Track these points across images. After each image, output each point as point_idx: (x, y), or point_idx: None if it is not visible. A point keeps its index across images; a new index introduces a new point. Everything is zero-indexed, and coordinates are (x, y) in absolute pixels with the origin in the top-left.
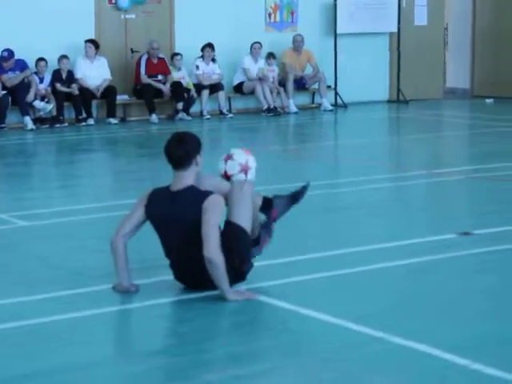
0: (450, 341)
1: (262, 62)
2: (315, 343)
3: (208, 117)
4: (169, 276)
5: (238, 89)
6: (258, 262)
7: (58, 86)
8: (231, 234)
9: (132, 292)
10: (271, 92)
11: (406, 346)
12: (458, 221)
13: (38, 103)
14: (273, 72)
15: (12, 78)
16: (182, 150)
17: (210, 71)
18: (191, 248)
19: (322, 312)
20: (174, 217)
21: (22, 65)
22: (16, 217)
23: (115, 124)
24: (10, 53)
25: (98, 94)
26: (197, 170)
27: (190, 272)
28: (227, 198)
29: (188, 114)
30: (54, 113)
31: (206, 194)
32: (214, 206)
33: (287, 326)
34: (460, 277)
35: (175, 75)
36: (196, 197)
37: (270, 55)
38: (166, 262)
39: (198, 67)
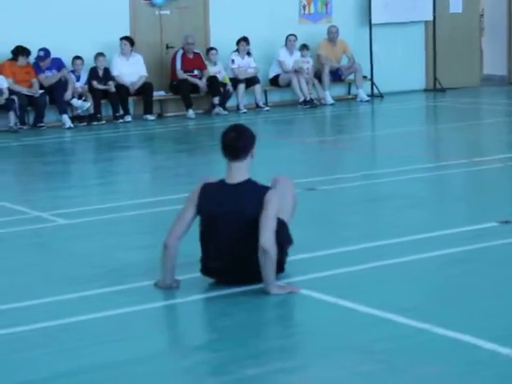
0: (492, 330)
1: (297, 55)
2: (357, 335)
3: (245, 110)
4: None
5: (274, 82)
6: (297, 255)
7: (95, 83)
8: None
9: (174, 288)
10: (307, 84)
11: (448, 337)
12: (498, 209)
13: (75, 101)
14: (307, 64)
15: (49, 78)
16: (241, 142)
17: (245, 65)
18: (244, 241)
19: (362, 304)
20: (233, 209)
21: (58, 64)
22: (56, 215)
23: (152, 120)
24: (47, 52)
25: (133, 91)
26: (251, 161)
27: (236, 266)
28: None
29: (225, 108)
30: (92, 111)
31: (266, 188)
32: (274, 200)
33: (328, 319)
34: (502, 266)
35: (211, 70)
36: (257, 190)
37: (304, 47)
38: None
39: (233, 61)
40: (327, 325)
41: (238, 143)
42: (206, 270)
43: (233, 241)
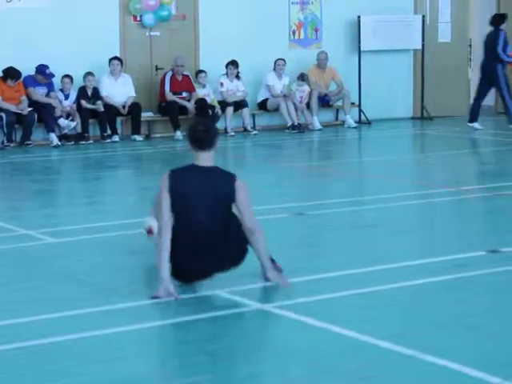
0: (481, 358)
1: (286, 79)
2: (346, 361)
3: (232, 134)
4: (201, 292)
5: (263, 106)
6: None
7: (84, 103)
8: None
9: (174, 296)
10: (296, 109)
11: (436, 364)
12: (486, 238)
13: (62, 121)
14: (302, 93)
15: (38, 94)
16: (211, 133)
17: (234, 88)
18: (218, 219)
19: (352, 330)
20: (208, 187)
21: (49, 85)
22: (44, 233)
23: (140, 141)
24: (51, 74)
25: (126, 111)
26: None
27: (213, 249)
28: None
29: None
30: (79, 130)
31: (233, 174)
32: (244, 187)
33: (316, 344)
34: (489, 294)
35: (200, 92)
36: (227, 175)
37: (302, 76)
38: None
39: (222, 84)
40: (315, 349)
41: (209, 135)
42: (178, 271)
43: (209, 217)
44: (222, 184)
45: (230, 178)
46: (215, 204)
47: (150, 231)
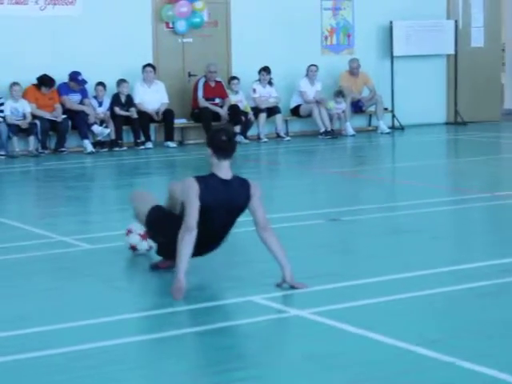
0: None
1: (318, 85)
2: (382, 367)
3: (265, 140)
4: (238, 299)
5: (295, 112)
6: (321, 286)
7: (117, 109)
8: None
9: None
10: (331, 119)
11: (474, 371)
12: None
13: (96, 128)
14: (339, 110)
15: (71, 102)
16: (234, 141)
17: (266, 94)
18: (229, 227)
19: (388, 336)
20: (228, 202)
21: (83, 92)
22: (79, 240)
23: (173, 147)
24: (83, 81)
25: (159, 117)
26: None
27: (214, 245)
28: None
29: (245, 137)
30: (113, 136)
31: (248, 182)
32: (258, 189)
33: (352, 350)
34: None
35: (233, 98)
36: (244, 183)
37: (340, 93)
38: (227, 284)
39: (254, 90)
40: (351, 356)
41: (231, 146)
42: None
43: (222, 227)
44: (240, 197)
45: (245, 188)
46: (232, 215)
47: (133, 248)
